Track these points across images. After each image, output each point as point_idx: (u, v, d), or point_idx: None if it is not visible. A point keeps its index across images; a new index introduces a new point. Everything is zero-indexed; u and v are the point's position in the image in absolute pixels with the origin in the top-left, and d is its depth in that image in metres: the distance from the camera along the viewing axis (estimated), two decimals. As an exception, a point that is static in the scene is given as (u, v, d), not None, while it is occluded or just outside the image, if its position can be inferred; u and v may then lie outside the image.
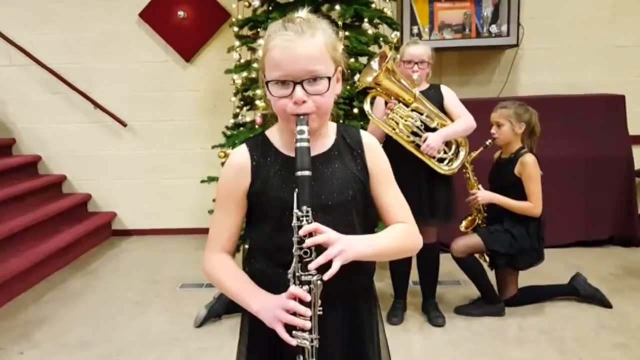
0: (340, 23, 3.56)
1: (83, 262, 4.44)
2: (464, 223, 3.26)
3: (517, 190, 3.06)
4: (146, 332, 3.19)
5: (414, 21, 4.40)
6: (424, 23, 4.43)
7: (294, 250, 1.21)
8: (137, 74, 4.87)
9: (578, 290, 3.30)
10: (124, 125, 4.92)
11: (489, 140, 3.10)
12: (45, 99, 4.93)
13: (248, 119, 3.99)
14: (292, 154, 1.26)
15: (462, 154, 2.91)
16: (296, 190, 1.22)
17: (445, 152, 2.88)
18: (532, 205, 3.04)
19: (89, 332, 3.20)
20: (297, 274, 1.22)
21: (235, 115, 4.04)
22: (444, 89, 2.99)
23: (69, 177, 5.08)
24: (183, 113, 4.91)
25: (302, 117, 1.23)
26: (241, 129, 3.94)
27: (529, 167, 3.03)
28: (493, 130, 3.11)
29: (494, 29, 4.42)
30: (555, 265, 3.69)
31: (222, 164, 3.90)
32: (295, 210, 1.21)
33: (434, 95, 2.94)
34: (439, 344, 2.94)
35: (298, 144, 1.22)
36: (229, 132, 4.00)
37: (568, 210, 4.12)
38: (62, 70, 4.84)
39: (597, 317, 3.15)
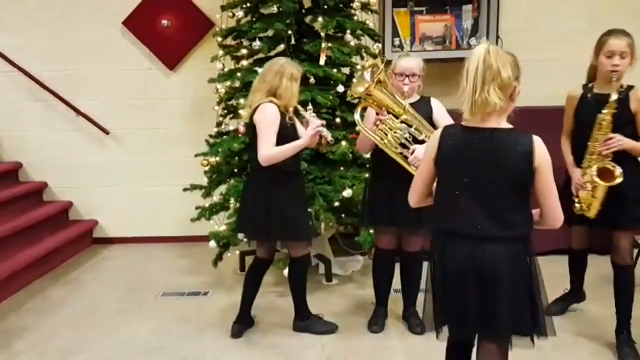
0: (323, 34, 3.62)
1: (64, 270, 4.41)
2: (580, 200, 2.87)
3: (633, 130, 2.77)
4: (128, 341, 3.18)
5: (396, 33, 4.47)
6: (406, 35, 4.50)
7: None
8: (120, 82, 4.87)
9: None
10: (107, 133, 4.91)
11: (614, 75, 2.73)
12: (27, 106, 4.90)
13: (231, 128, 4.02)
14: None
15: None
16: None
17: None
18: None
19: (70, 341, 3.19)
20: None
21: (219, 124, 4.07)
22: (434, 102, 3.03)
23: (50, 185, 5.05)
24: (166, 121, 4.91)
25: None
26: (224, 137, 3.96)
27: None
28: (617, 62, 2.73)
29: (473, 41, 4.50)
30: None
31: (206, 172, 3.93)
32: None
33: (423, 108, 2.97)
34: (419, 352, 2.98)
35: None
36: (212, 141, 4.02)
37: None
38: (45, 77, 4.83)
39: (574, 325, 3.22)
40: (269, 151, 2.79)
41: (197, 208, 3.99)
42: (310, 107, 3.21)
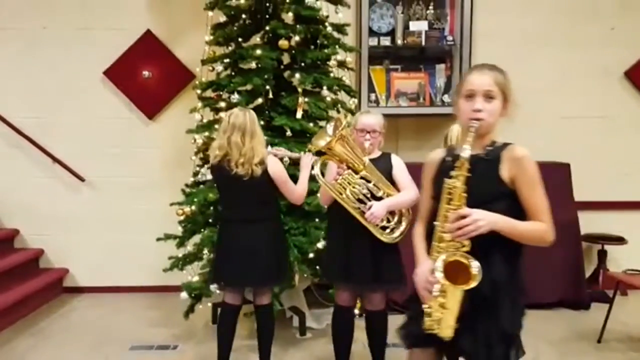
0: (300, 90, 3.70)
1: (31, 321, 4.29)
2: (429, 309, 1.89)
3: (504, 206, 1.88)
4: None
5: (371, 89, 4.60)
6: (382, 91, 4.64)
7: None
8: (98, 130, 4.89)
9: None
10: (82, 180, 4.89)
11: (474, 125, 1.89)
12: (1, 152, 4.88)
13: (208, 177, 4.02)
14: None
15: (404, 223, 2.91)
16: None
17: (388, 221, 2.88)
18: (547, 225, 1.88)
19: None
20: None
21: (195, 174, 4.08)
22: (394, 159, 3.03)
23: (21, 232, 4.97)
24: (143, 170, 4.92)
25: None
26: (201, 186, 3.97)
27: (529, 164, 1.90)
28: (479, 106, 1.90)
29: (446, 98, 4.65)
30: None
31: (180, 222, 3.91)
32: None
33: (384, 164, 2.98)
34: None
35: None
36: (188, 190, 4.03)
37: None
38: (21, 123, 4.83)
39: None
40: (299, 189, 3.10)
41: (169, 258, 3.96)
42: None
